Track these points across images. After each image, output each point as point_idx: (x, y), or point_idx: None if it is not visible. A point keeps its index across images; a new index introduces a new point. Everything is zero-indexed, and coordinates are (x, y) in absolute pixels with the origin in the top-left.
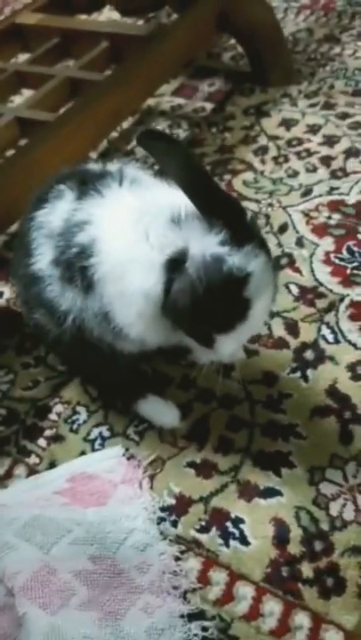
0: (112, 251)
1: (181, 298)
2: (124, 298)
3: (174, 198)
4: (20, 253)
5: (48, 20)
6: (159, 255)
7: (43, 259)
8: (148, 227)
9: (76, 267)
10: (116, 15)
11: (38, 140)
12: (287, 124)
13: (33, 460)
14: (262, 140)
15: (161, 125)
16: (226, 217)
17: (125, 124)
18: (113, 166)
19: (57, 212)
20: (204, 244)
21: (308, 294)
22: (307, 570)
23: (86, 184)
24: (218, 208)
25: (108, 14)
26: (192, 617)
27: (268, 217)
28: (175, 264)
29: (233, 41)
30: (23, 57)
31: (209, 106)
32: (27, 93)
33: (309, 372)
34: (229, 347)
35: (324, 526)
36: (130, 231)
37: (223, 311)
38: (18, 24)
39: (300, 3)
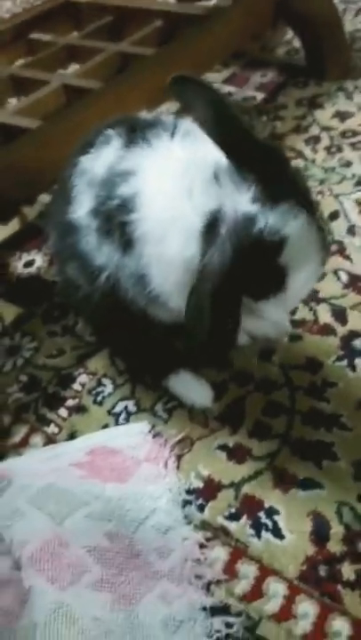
0: (153, 207)
1: (210, 265)
2: (163, 263)
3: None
4: (59, 200)
5: None
6: (199, 217)
7: (82, 207)
8: (192, 183)
9: (116, 220)
10: None
11: (82, 104)
12: (342, 116)
13: (52, 429)
14: (315, 131)
15: None
16: (261, 169)
17: (173, 107)
18: (167, 117)
19: (102, 158)
20: (237, 202)
21: (359, 282)
22: (348, 571)
23: (136, 132)
24: (252, 158)
25: None
26: (215, 611)
27: (317, 204)
28: (211, 228)
29: (288, 37)
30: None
31: (260, 95)
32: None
33: (358, 361)
34: (272, 315)
35: None
36: (173, 187)
37: (256, 279)
38: (72, 1)
39: (358, 4)
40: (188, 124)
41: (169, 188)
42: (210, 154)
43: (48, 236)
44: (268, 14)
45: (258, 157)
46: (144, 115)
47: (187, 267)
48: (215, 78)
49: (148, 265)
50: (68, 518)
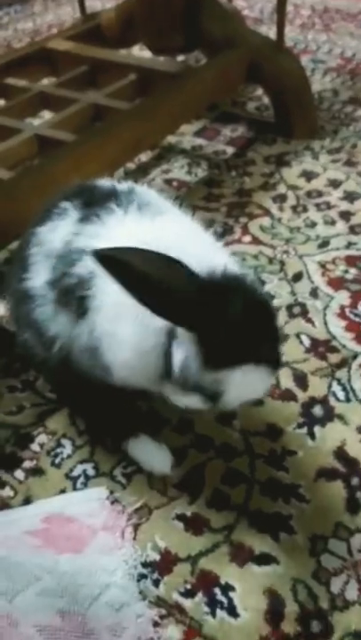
0: (109, 290)
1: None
2: (113, 341)
3: (181, 238)
4: (17, 267)
5: (79, 48)
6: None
7: (38, 277)
8: None
9: (75, 295)
10: (147, 53)
11: (54, 157)
12: (308, 175)
13: (7, 492)
14: (281, 189)
15: (180, 162)
16: (199, 329)
17: (144, 158)
18: (123, 186)
19: (58, 231)
20: (182, 345)
21: (320, 347)
22: None
23: (91, 205)
24: (188, 318)
25: (139, 52)
26: None
27: (282, 264)
28: (171, 334)
29: (258, 92)
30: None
31: (230, 150)
32: (47, 117)
33: (317, 429)
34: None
35: (324, 604)
36: None
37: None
38: (49, 49)
39: (327, 65)
40: (144, 194)
41: None
42: (164, 236)
43: (6, 299)
44: (241, 75)
45: (192, 317)
46: (101, 183)
47: (140, 353)
48: (187, 130)
49: (100, 339)
50: (20, 595)
